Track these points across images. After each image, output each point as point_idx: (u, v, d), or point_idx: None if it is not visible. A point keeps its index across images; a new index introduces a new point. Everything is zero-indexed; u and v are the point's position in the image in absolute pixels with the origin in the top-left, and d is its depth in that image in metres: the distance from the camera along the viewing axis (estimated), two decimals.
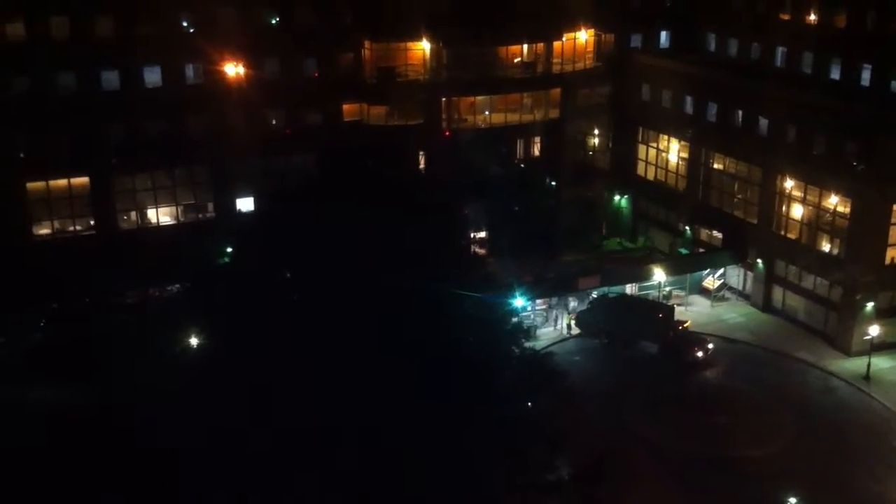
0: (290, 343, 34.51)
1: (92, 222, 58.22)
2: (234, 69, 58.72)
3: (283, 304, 37.40)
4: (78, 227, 57.99)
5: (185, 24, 58.67)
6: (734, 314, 60.25)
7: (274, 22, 60.80)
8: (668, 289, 61.09)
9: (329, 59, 62.26)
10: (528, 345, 42.89)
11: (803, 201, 57.23)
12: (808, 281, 57.61)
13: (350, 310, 34.82)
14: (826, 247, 56.18)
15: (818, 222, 56.51)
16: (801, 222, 57.44)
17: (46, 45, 54.69)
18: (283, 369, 33.71)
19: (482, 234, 65.15)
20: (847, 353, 54.45)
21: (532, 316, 56.24)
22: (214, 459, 31.30)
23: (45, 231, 57.36)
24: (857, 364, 53.11)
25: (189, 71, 59.08)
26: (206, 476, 30.94)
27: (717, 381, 52.54)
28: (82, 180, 57.35)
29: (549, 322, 58.13)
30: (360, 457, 32.33)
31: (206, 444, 31.60)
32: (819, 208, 56.24)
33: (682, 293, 61.25)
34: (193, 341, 38.67)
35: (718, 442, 45.84)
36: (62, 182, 56.95)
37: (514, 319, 43.83)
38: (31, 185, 56.19)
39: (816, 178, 55.88)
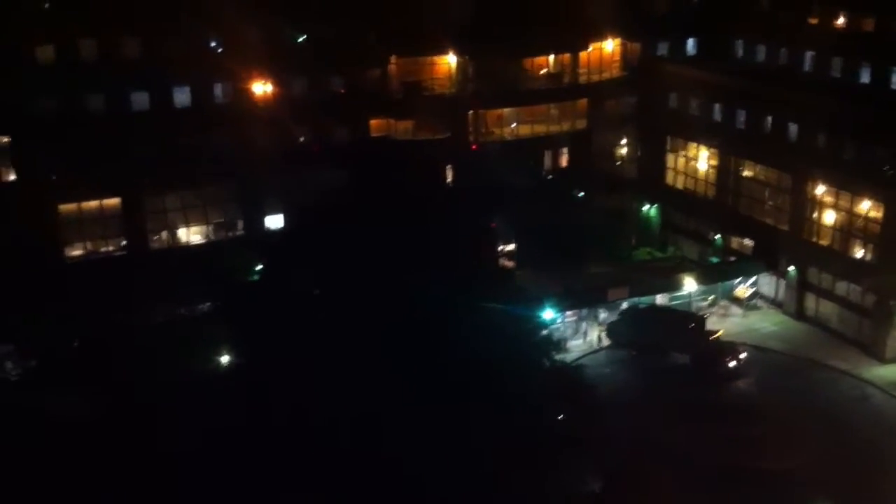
0: (319, 359, 34.73)
1: (123, 242, 58.88)
2: (261, 87, 59.24)
3: (313, 321, 37.66)
4: (110, 248, 58.68)
5: (213, 44, 59.31)
6: (766, 323, 59.70)
7: (300, 40, 61.29)
8: (711, 298, 60.60)
9: (355, 76, 62.57)
10: (558, 357, 42.90)
11: (835, 207, 56.68)
12: (842, 287, 56.99)
13: (379, 325, 35.01)
14: (859, 253, 55.55)
15: (850, 228, 55.91)
16: (833, 228, 56.86)
17: (76, 66, 55.47)
18: (312, 386, 33.93)
19: (510, 247, 65.11)
20: (881, 359, 53.79)
21: (562, 328, 56.02)
22: (231, 475, 31.60)
23: (77, 252, 58.07)
24: (892, 371, 52.46)
25: (217, 90, 59.62)
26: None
27: (749, 391, 52.04)
28: (114, 201, 58.05)
29: (579, 334, 57.88)
30: (390, 467, 32.46)
31: (225, 460, 31.88)
32: (851, 214, 55.65)
33: (724, 303, 60.80)
34: (224, 359, 39.03)
35: (750, 452, 45.21)
36: (94, 203, 57.68)
37: (544, 332, 43.86)
38: (63, 207, 56.94)
39: (848, 184, 55.33)
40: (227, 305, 42.11)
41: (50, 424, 33.34)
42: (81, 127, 55.86)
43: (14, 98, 54.19)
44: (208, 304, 46.19)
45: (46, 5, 56.05)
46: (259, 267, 46.52)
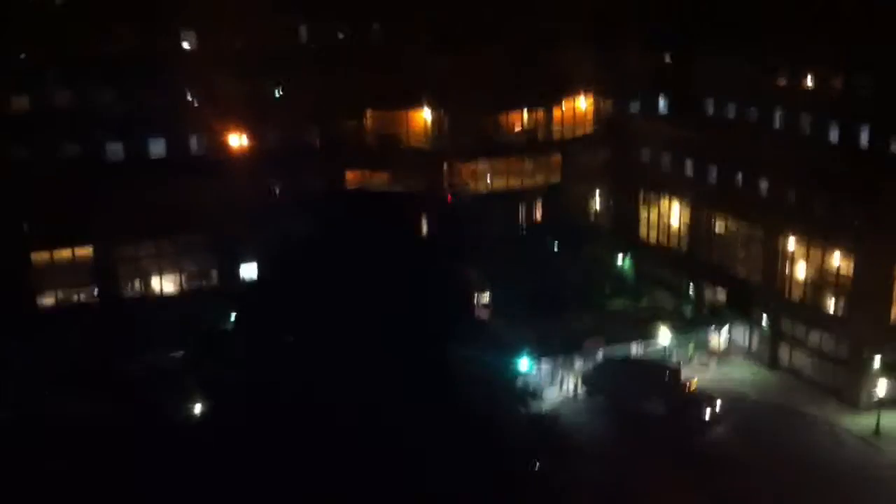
0: (292, 407, 34.42)
1: (96, 291, 58.36)
2: (237, 139, 59.48)
3: (287, 367, 37.39)
4: (82, 297, 58.14)
5: (189, 96, 59.61)
6: (741, 372, 59.86)
7: (277, 94, 61.76)
8: (691, 348, 61.01)
9: (332, 128, 63.05)
10: (533, 405, 42.76)
11: (806, 259, 57.31)
12: (815, 337, 57.37)
13: (352, 374, 34.77)
14: (831, 305, 56.06)
15: (822, 281, 56.49)
16: (805, 281, 57.43)
17: (51, 116, 55.50)
18: (286, 434, 33.56)
19: (486, 297, 65.14)
20: (856, 407, 54.00)
21: (538, 377, 55.86)
22: None
23: (49, 301, 57.49)
24: (866, 419, 52.58)
25: (193, 142, 59.84)
26: None
27: (725, 440, 51.93)
28: (86, 250, 57.68)
29: (554, 383, 57.74)
30: None
31: None
32: (822, 266, 56.28)
33: (705, 357, 61.07)
34: (197, 408, 38.61)
35: (727, 502, 45.05)
36: (66, 252, 57.30)
37: (520, 381, 43.78)
38: (35, 256, 56.50)
39: (818, 237, 56.06)
40: (199, 354, 41.82)
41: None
42: (55, 175, 55.66)
43: None
44: (181, 352, 45.92)
45: (23, 56, 56.18)
46: (232, 316, 46.28)
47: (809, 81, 62.47)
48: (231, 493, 32.43)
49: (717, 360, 61.15)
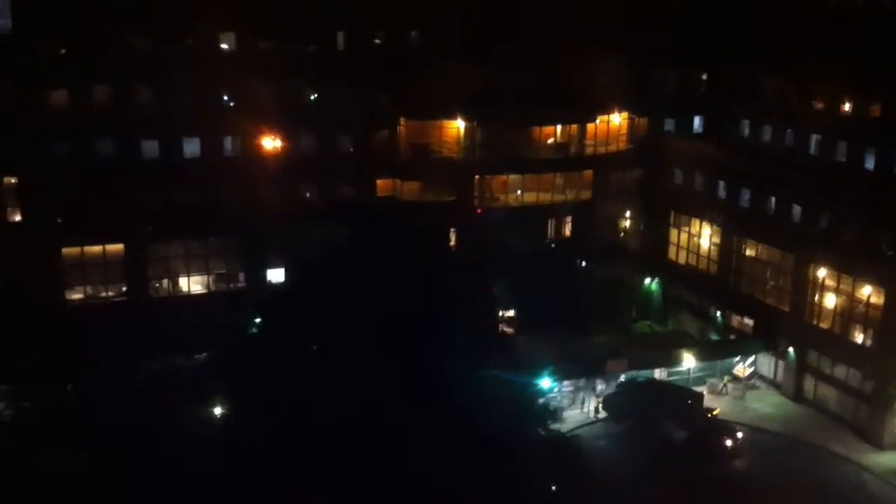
0: (312, 417, 34.45)
1: (124, 288, 58.82)
2: (270, 143, 59.74)
3: (308, 378, 37.43)
4: (110, 293, 58.59)
5: (225, 97, 59.96)
6: (764, 403, 59.27)
7: (312, 98, 61.97)
8: (726, 379, 60.51)
9: (364, 135, 63.18)
10: (553, 426, 42.54)
11: (836, 290, 56.67)
12: (841, 371, 56.72)
13: (375, 386, 34.76)
14: (859, 337, 55.40)
15: (851, 312, 55.84)
16: (834, 312, 56.78)
17: (88, 112, 55.99)
18: (306, 443, 33.61)
19: (511, 313, 64.97)
20: (879, 446, 53.32)
21: (559, 397, 55.65)
22: None
23: (77, 296, 57.99)
24: (889, 458, 51.99)
25: (227, 143, 60.16)
26: None
27: (746, 472, 51.46)
28: (117, 247, 58.13)
29: (575, 404, 57.45)
30: None
31: None
32: (852, 298, 55.63)
33: (740, 389, 60.44)
34: (217, 411, 38.70)
35: None
36: (97, 248, 57.75)
37: (541, 400, 43.57)
38: (66, 251, 57.00)
39: (849, 267, 55.42)
40: (224, 357, 41.96)
41: (40, 477, 32.95)
42: (90, 171, 56.22)
43: (24, 140, 54.63)
44: (205, 354, 46.04)
45: (62, 51, 56.71)
46: (258, 320, 46.42)
47: (847, 107, 61.96)
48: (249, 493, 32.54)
49: (740, 390, 60.52)
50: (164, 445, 34.46)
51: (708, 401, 57.11)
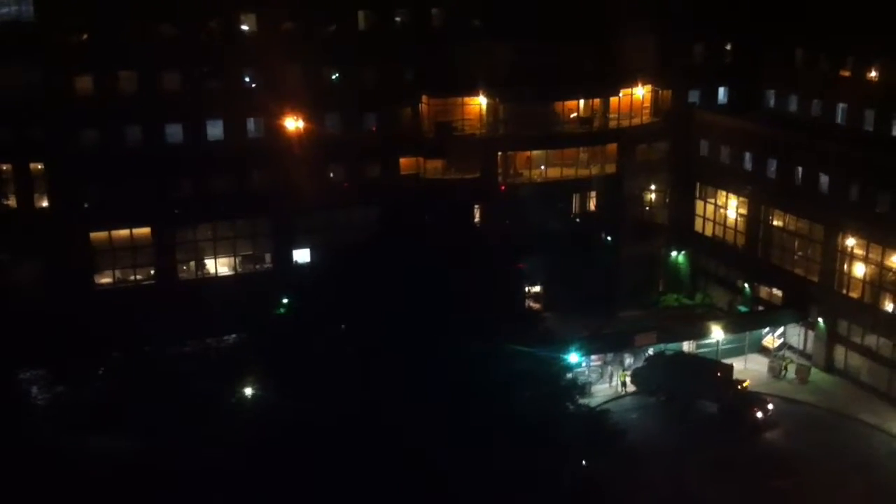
0: (343, 396, 34.64)
1: (152, 272, 59.25)
2: (294, 123, 59.77)
3: (339, 357, 37.62)
4: (139, 277, 59.04)
5: (247, 79, 60.01)
6: (795, 374, 58.90)
7: (335, 78, 61.89)
8: (787, 369, 58.67)
9: (388, 114, 63.07)
10: (582, 401, 42.56)
11: (866, 260, 56.18)
12: (871, 340, 56.31)
13: (405, 364, 34.91)
14: (889, 306, 54.94)
15: (881, 281, 55.37)
16: (864, 281, 56.32)
17: (114, 98, 56.23)
18: (337, 422, 33.80)
19: (537, 289, 64.94)
20: None
21: (587, 372, 55.62)
22: None
23: (106, 280, 58.49)
24: None
25: (251, 125, 60.24)
26: None
27: (778, 444, 51.27)
28: (144, 231, 58.50)
29: (604, 379, 57.40)
30: None
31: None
32: (882, 267, 55.14)
33: (803, 373, 58.37)
34: (249, 391, 38.97)
35: None
36: (125, 232, 58.15)
37: (569, 375, 43.58)
38: (94, 235, 57.45)
39: (879, 236, 54.90)
40: (256, 338, 42.24)
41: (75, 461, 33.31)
42: (116, 156, 56.57)
43: (51, 126, 54.98)
44: (234, 336, 46.34)
45: (85, 37, 56.92)
46: (286, 301, 46.67)
47: (874, 74, 61.21)
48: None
49: (770, 361, 60.08)
50: (197, 429, 34.77)
51: (766, 384, 56.50)
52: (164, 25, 57.41)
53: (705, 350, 59.52)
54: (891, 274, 54.69)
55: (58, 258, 55.81)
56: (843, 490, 46.24)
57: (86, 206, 57.24)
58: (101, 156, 56.32)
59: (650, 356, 57.61)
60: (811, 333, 60.35)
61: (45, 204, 56.85)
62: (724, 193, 66.90)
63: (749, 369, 58.55)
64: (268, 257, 61.80)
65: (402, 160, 63.91)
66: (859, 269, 56.67)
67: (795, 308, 60.43)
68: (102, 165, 56.30)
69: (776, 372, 58.36)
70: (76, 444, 34.50)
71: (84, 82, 56.01)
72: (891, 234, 53.94)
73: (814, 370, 59.13)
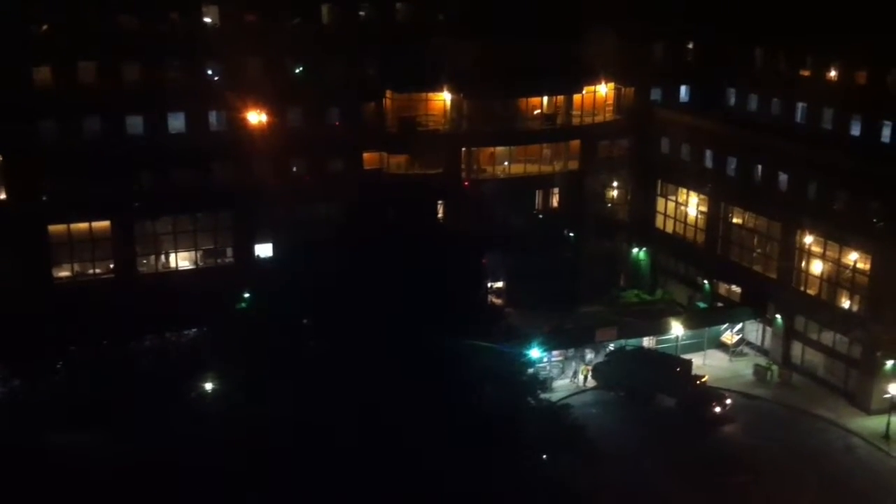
0: (305, 391, 34.53)
1: (112, 265, 58.62)
2: (257, 117, 59.39)
3: (301, 352, 37.51)
4: (98, 271, 58.37)
5: (210, 72, 59.51)
6: (752, 370, 59.66)
7: (298, 72, 61.57)
8: (772, 372, 58.78)
9: (351, 109, 62.86)
10: (543, 396, 42.77)
11: (823, 257, 56.99)
12: (828, 337, 57.15)
13: (366, 359, 34.85)
14: (846, 303, 55.79)
15: (838, 278, 56.19)
16: (821, 278, 57.12)
17: (73, 89, 55.51)
18: (299, 418, 33.69)
19: (500, 285, 65.15)
20: (867, 410, 53.82)
21: (548, 367, 55.94)
22: None
23: (65, 274, 57.75)
24: (877, 422, 52.42)
25: (213, 118, 59.76)
26: None
27: (735, 439, 51.92)
28: (103, 224, 57.84)
29: (565, 374, 57.75)
30: None
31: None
32: (839, 264, 55.96)
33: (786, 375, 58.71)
34: (209, 386, 38.71)
35: (738, 502, 45.08)
36: (83, 225, 57.41)
37: (531, 371, 43.77)
38: (52, 228, 56.69)
39: (836, 235, 55.71)
40: (215, 332, 41.97)
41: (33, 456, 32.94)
42: (75, 148, 55.82)
43: (8, 117, 54.15)
44: (194, 330, 45.99)
45: (44, 27, 56.12)
46: (247, 295, 46.39)
47: (833, 74, 62.04)
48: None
49: (729, 357, 60.82)
50: (158, 423, 34.47)
51: (752, 388, 57.20)
52: (124, 16, 56.78)
53: (665, 346, 60.15)
54: (847, 271, 55.53)
55: (15, 251, 54.99)
56: (799, 484, 46.91)
57: (44, 198, 56.45)
58: (60, 147, 55.55)
59: (611, 351, 58.12)
60: (769, 330, 61.14)
61: (2, 196, 56.00)
62: (684, 191, 67.53)
63: (708, 364, 59.19)
64: (229, 251, 61.34)
65: (366, 155, 63.73)
66: (817, 267, 57.49)
67: (754, 305, 61.20)
68: (61, 157, 55.49)
69: (761, 376, 58.66)
70: (31, 439, 34.08)
71: (42, 73, 55.22)
72: (847, 232, 54.77)
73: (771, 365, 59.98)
